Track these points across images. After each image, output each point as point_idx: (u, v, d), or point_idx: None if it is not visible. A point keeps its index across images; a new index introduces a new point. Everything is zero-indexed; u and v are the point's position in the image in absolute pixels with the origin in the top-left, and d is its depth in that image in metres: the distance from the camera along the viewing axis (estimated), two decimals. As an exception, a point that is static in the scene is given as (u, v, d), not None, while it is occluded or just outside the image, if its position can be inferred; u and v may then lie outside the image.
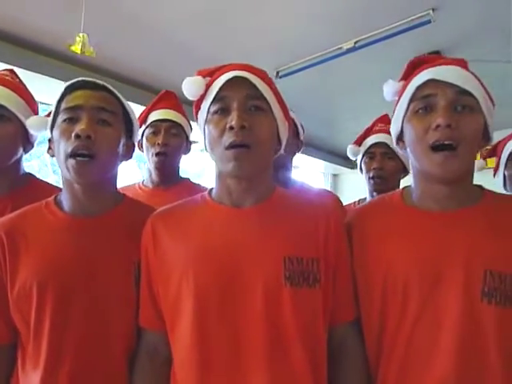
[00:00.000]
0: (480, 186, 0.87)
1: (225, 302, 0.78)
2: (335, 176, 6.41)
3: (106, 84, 0.90)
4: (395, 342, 0.79)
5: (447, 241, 0.78)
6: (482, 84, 0.81)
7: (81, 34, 2.06)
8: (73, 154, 0.83)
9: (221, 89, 0.80)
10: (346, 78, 3.08)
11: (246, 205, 0.85)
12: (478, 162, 1.43)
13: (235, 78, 0.79)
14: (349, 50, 2.77)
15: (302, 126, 1.40)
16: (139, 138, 1.44)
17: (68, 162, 0.84)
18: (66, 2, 2.15)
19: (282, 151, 0.90)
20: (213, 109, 0.81)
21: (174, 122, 1.42)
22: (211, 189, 0.91)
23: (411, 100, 0.82)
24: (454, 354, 0.73)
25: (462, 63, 0.82)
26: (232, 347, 0.77)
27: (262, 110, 0.80)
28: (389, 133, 1.08)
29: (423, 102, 0.80)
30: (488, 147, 1.42)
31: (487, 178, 1.24)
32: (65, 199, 0.92)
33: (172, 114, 1.43)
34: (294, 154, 1.39)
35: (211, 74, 0.85)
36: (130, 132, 0.96)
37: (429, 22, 2.48)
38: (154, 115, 1.38)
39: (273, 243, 0.80)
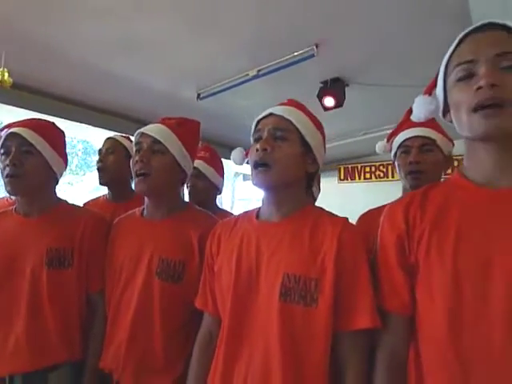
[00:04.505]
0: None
1: (7, 279, 1.21)
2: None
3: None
4: (116, 302, 1.22)
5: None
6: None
7: (0, 69, 2.49)
8: None
9: (5, 139, 1.22)
10: (257, 99, 3.49)
11: (34, 215, 1.28)
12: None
13: (13, 132, 1.21)
14: (254, 77, 3.20)
15: None
16: None
17: None
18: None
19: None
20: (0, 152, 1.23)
21: None
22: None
23: None
24: (133, 313, 1.16)
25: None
26: (7, 306, 1.20)
27: (30, 152, 1.23)
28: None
29: None
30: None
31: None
32: None
33: None
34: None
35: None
36: None
37: (312, 55, 2.89)
38: None
39: (40, 240, 1.23)
